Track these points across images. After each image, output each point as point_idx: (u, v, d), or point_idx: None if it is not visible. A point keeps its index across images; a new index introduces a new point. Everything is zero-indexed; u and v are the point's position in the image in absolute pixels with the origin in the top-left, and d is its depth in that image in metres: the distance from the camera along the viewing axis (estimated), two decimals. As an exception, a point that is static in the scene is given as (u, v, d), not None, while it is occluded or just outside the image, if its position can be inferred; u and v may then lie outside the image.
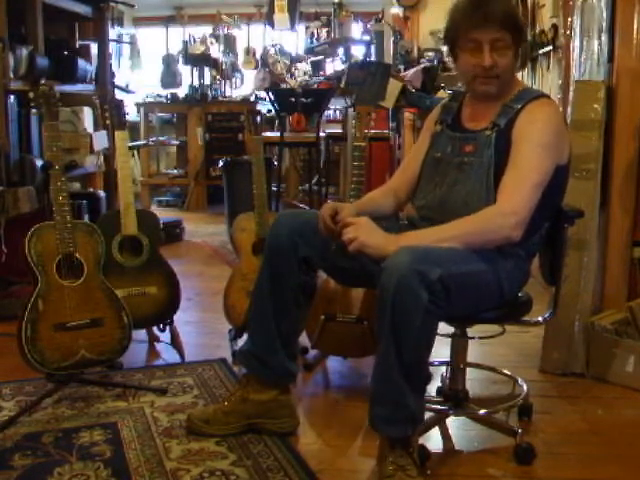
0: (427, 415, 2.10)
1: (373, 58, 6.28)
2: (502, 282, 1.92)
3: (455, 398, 2.17)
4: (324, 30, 7.59)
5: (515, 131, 1.93)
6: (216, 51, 7.52)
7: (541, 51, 4.03)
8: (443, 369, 2.30)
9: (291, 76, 7.60)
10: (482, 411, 2.18)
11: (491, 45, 1.89)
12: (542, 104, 1.97)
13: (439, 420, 2.21)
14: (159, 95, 7.20)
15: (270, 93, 5.05)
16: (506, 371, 2.51)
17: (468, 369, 2.22)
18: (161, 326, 2.83)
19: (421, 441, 1.99)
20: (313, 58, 7.47)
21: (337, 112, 7.21)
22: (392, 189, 2.24)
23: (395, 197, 2.22)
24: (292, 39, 7.98)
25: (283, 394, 2.17)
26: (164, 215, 5.43)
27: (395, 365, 1.77)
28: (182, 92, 7.22)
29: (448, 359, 2.21)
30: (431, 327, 1.79)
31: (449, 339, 2.17)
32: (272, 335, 2.11)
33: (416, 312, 1.71)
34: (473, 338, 2.20)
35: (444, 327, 2.14)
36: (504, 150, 1.92)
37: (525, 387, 2.31)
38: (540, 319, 2.15)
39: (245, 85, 7.77)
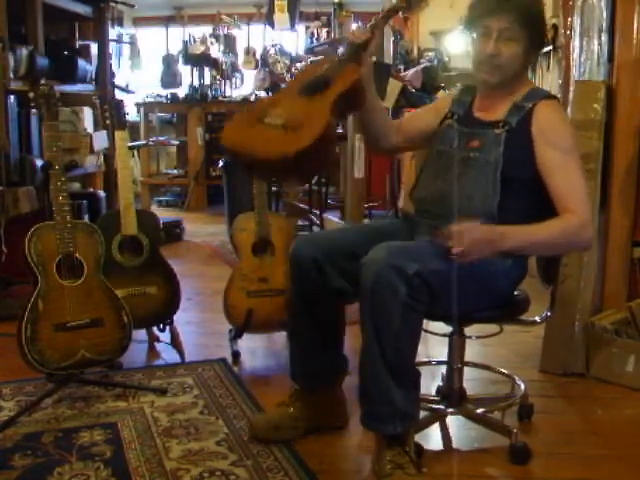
0: (423, 414, 2.10)
1: (373, 58, 6.27)
2: (497, 281, 1.91)
3: (452, 397, 2.16)
4: (324, 30, 7.59)
5: (537, 134, 1.91)
6: (216, 51, 7.51)
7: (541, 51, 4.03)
8: (443, 368, 2.29)
9: (291, 76, 7.60)
10: (478, 410, 2.17)
11: (499, 34, 1.89)
12: (553, 105, 1.97)
13: (436, 419, 2.20)
14: (159, 95, 7.19)
15: (270, 93, 5.04)
16: (504, 370, 2.49)
17: (469, 370, 2.22)
18: (161, 326, 2.83)
19: (417, 439, 1.98)
20: (313, 58, 7.46)
21: (337, 112, 7.19)
22: (397, 125, 2.25)
23: (397, 131, 2.21)
24: (292, 39, 7.98)
25: (338, 390, 2.19)
26: (164, 215, 5.43)
27: (378, 361, 1.78)
28: (182, 92, 7.22)
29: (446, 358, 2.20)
30: (412, 323, 1.78)
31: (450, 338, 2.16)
32: (316, 346, 2.11)
33: (395, 306, 1.72)
34: (470, 337, 2.19)
35: (442, 326, 2.15)
36: (517, 150, 1.92)
37: (522, 386, 2.30)
38: (537, 319, 2.14)
39: (245, 85, 7.76)
